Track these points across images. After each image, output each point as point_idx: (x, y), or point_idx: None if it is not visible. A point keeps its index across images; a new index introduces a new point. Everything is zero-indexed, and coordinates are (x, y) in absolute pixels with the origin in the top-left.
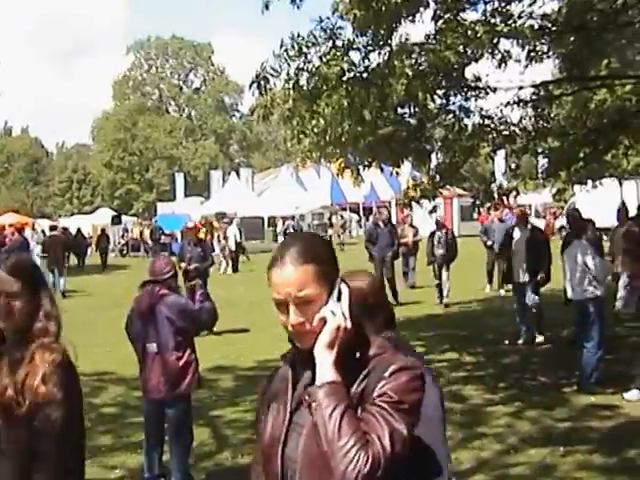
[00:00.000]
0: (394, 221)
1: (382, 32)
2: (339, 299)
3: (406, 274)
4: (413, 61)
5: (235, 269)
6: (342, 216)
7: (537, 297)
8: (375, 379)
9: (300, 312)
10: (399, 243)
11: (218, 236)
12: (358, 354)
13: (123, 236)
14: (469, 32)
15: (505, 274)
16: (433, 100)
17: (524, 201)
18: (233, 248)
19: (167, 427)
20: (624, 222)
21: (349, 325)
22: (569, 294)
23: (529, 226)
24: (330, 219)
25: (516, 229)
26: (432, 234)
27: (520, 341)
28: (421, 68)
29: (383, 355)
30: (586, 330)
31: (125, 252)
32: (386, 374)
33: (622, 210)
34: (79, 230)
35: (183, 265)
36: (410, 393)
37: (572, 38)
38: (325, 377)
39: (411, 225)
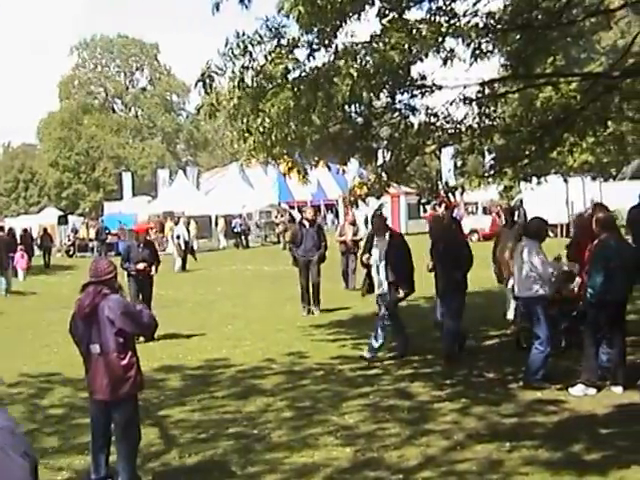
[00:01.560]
0: (341, 219)
1: (327, 30)
2: None
3: (346, 274)
4: (358, 61)
5: (184, 268)
6: (290, 214)
7: (387, 311)
8: None
9: None
10: (326, 245)
11: (171, 236)
12: None
13: (69, 237)
14: (414, 31)
15: (368, 284)
16: (378, 98)
17: (471, 198)
18: (182, 247)
19: (113, 428)
20: (511, 224)
21: None
22: (516, 291)
23: (387, 234)
24: (276, 217)
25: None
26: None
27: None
28: (366, 68)
29: None
30: (533, 327)
31: (72, 252)
32: None
33: (507, 214)
34: (26, 230)
35: (141, 265)
36: None
37: (517, 36)
38: None
39: (351, 223)
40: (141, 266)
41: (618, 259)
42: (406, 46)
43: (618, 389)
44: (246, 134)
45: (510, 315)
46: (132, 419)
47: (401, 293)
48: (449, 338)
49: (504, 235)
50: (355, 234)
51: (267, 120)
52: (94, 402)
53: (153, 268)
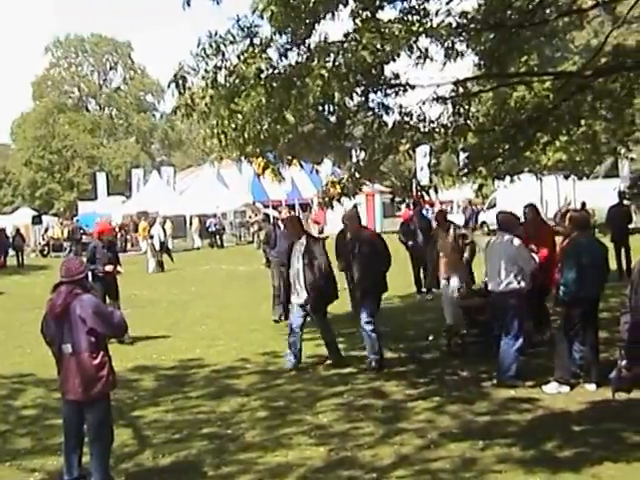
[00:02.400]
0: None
1: (301, 31)
2: None
3: None
4: (331, 61)
5: (162, 268)
6: (265, 214)
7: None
8: None
9: None
10: None
11: (145, 236)
12: None
13: (44, 236)
14: (386, 31)
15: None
16: (352, 98)
17: (446, 197)
18: (158, 248)
19: (86, 428)
20: (445, 227)
21: None
22: (490, 286)
23: (303, 237)
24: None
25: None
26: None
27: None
28: (339, 68)
29: None
30: (505, 323)
31: (46, 252)
32: None
33: (440, 217)
34: (2, 230)
35: (110, 267)
36: None
37: (491, 35)
38: None
39: (315, 222)
40: (110, 268)
41: (589, 256)
42: (378, 45)
43: (591, 386)
44: (221, 135)
45: (449, 320)
46: (105, 419)
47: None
48: (375, 344)
49: (440, 238)
50: (320, 232)
51: (240, 117)
52: (67, 402)
53: (120, 269)
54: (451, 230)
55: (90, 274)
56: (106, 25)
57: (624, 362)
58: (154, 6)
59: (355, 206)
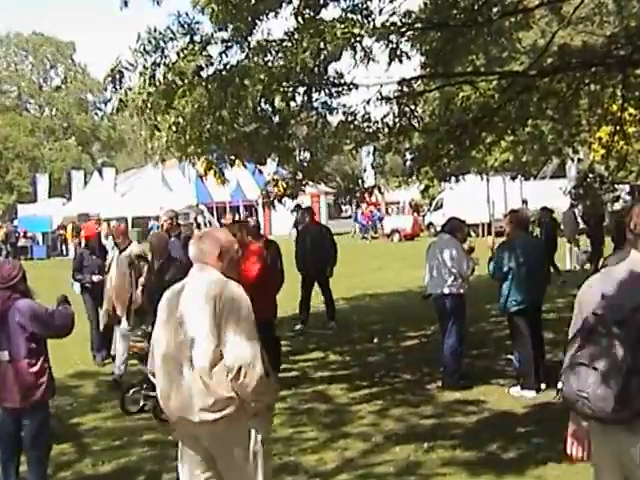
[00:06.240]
0: (261, 221)
1: (242, 27)
2: None
3: None
4: (270, 62)
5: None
6: (195, 218)
7: None
8: None
9: None
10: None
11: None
12: None
13: None
14: (327, 31)
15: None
16: (294, 100)
17: (393, 198)
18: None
19: (23, 436)
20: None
21: None
22: (429, 289)
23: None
24: (196, 219)
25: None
26: None
27: None
28: (278, 71)
29: None
30: (446, 326)
31: None
32: None
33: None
34: None
35: (96, 278)
36: None
37: (436, 35)
38: None
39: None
40: (98, 278)
41: (530, 255)
42: (320, 46)
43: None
44: (156, 131)
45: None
46: (43, 427)
47: None
48: None
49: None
50: None
51: (181, 119)
52: (3, 410)
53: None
54: (131, 247)
55: (79, 285)
56: (53, 25)
57: None
58: (102, 6)
59: (297, 207)
